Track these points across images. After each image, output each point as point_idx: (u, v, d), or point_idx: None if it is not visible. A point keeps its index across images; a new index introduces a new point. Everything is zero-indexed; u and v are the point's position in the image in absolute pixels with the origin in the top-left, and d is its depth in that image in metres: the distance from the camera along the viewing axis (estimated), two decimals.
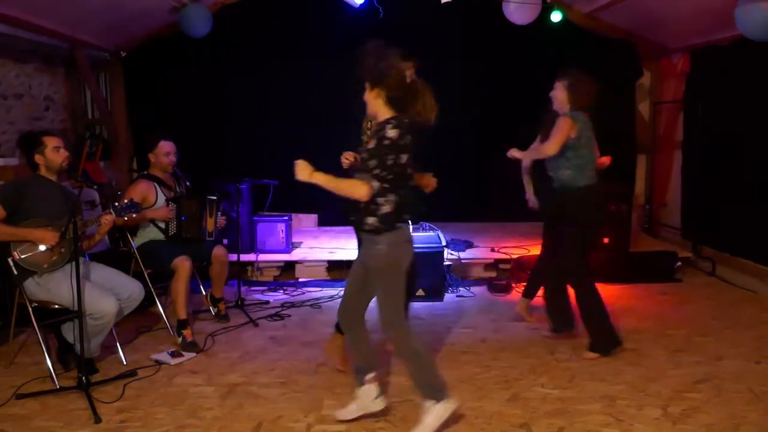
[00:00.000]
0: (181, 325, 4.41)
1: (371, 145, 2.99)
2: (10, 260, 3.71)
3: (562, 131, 3.97)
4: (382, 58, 2.94)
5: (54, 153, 3.78)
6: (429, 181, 3.65)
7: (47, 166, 3.80)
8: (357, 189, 2.96)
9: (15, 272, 3.74)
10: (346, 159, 3.48)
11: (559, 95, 4.10)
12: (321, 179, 3.00)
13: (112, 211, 3.91)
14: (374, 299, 3.16)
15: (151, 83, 6.74)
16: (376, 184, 2.95)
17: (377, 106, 3.03)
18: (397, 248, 3.05)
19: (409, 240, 3.14)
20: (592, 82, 4.05)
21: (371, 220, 3.01)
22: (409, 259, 3.12)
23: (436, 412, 3.07)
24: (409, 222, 3.16)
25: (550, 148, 3.98)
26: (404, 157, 2.97)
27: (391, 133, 2.93)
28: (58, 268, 3.77)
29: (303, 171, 3.05)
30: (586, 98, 4.05)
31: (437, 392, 3.09)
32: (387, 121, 2.98)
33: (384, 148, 2.93)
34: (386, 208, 2.99)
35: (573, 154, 4.03)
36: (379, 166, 2.93)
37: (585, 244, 4.14)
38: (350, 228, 7.18)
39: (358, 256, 3.33)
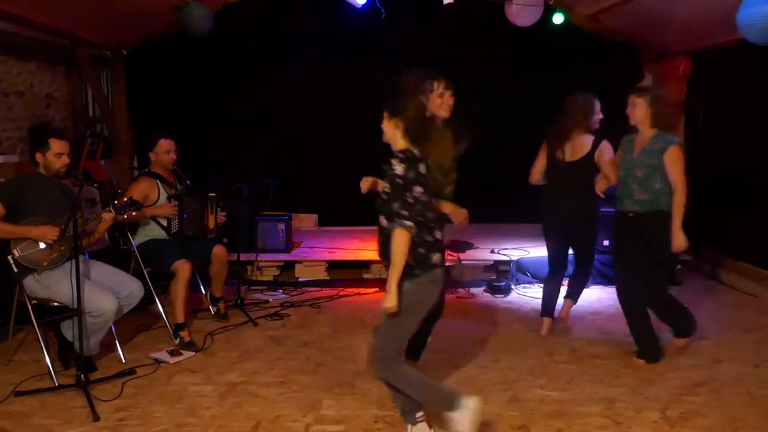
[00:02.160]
0: (179, 327, 4.41)
1: (386, 188, 2.89)
2: (9, 258, 3.71)
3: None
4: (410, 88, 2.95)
5: (55, 158, 3.78)
6: (457, 212, 3.41)
7: (45, 166, 3.81)
8: (401, 244, 2.79)
9: (15, 270, 3.74)
10: (366, 182, 3.35)
11: (640, 112, 3.94)
12: (392, 283, 2.82)
13: (111, 209, 3.92)
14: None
15: (152, 82, 6.74)
16: (407, 223, 2.80)
17: (395, 136, 2.96)
18: (424, 288, 2.93)
19: (438, 281, 2.98)
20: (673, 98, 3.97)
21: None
22: (433, 301, 2.99)
23: (461, 419, 2.94)
24: (443, 262, 3.03)
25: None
26: (418, 190, 2.84)
27: (399, 169, 2.82)
28: (58, 266, 3.77)
29: (389, 302, 2.84)
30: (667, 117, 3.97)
31: (449, 402, 2.97)
32: (395, 155, 2.89)
33: (400, 187, 2.81)
34: (421, 249, 2.88)
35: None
36: (404, 207, 2.81)
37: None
38: (350, 228, 7.26)
39: None
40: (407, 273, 2.84)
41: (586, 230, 4.48)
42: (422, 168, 2.86)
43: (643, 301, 4.09)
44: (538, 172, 4.48)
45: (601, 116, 4.37)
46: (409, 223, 2.80)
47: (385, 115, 2.96)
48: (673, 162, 3.85)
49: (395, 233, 2.80)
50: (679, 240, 3.88)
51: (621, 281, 4.18)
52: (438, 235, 2.97)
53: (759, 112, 5.51)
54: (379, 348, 2.98)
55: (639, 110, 3.95)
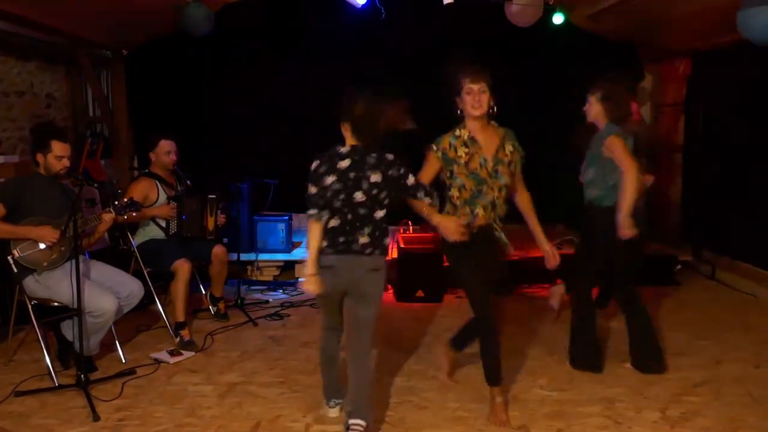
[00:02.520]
0: (179, 326, 4.42)
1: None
2: (9, 258, 3.71)
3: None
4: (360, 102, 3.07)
5: (55, 160, 3.78)
6: (445, 225, 3.22)
7: (45, 168, 3.81)
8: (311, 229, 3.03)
9: (15, 270, 3.74)
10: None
11: (594, 108, 3.91)
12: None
13: (112, 209, 3.92)
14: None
15: (152, 82, 6.74)
16: (311, 211, 3.02)
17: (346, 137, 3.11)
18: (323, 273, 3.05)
19: (330, 267, 3.03)
20: (625, 91, 3.91)
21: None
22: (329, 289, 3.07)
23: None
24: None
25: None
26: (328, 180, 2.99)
27: (313, 164, 3.06)
28: (58, 266, 3.77)
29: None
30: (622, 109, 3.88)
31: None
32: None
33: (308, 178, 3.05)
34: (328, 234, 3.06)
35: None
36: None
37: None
38: None
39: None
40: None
41: None
42: (343, 164, 2.99)
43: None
44: None
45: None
46: (313, 210, 2.98)
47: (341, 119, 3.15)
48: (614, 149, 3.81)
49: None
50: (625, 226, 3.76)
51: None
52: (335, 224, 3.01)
53: (759, 113, 5.51)
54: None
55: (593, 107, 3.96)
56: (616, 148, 3.73)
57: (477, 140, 3.29)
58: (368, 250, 3.01)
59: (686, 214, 6.69)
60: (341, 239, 2.99)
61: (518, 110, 6.56)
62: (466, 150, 3.27)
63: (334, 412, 3.38)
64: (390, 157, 3.06)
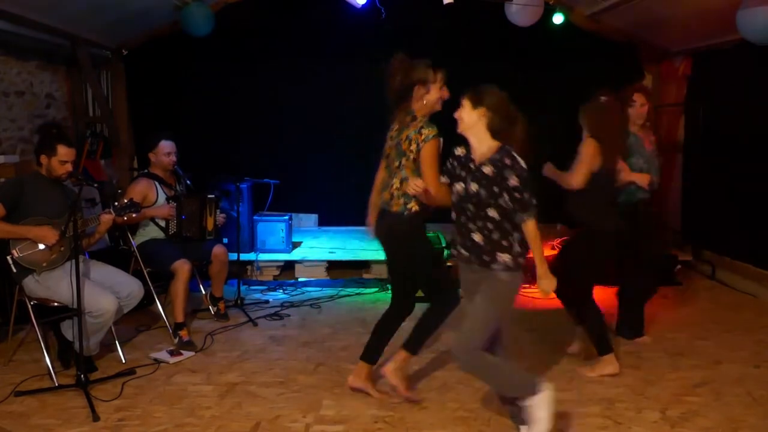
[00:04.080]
0: (178, 327, 4.42)
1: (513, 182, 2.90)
2: (9, 258, 3.71)
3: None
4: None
5: (58, 164, 3.78)
6: None
7: (47, 169, 3.81)
8: (537, 230, 2.96)
9: (14, 270, 3.74)
10: (416, 187, 3.10)
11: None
12: (544, 267, 3.02)
13: (111, 210, 3.92)
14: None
15: (152, 82, 6.74)
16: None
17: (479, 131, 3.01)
18: (519, 281, 3.07)
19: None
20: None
21: (505, 257, 2.98)
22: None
23: (538, 405, 3.00)
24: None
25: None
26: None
27: (521, 162, 2.93)
28: (58, 266, 3.77)
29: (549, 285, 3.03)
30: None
31: (527, 388, 3.03)
32: (504, 150, 2.97)
33: (525, 180, 2.90)
34: (517, 248, 3.00)
35: None
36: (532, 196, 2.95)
37: None
38: (350, 228, 7.26)
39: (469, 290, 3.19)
40: (514, 264, 2.96)
41: None
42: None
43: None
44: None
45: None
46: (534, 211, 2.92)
47: (468, 104, 2.99)
48: None
49: (531, 223, 2.91)
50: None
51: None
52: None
53: (759, 112, 5.50)
54: (469, 338, 2.98)
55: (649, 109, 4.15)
56: None
57: None
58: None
59: (686, 213, 6.68)
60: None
61: (518, 110, 6.59)
62: None
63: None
64: None
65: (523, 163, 2.91)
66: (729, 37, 5.40)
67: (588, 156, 3.73)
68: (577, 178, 3.76)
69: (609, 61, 6.57)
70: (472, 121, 2.98)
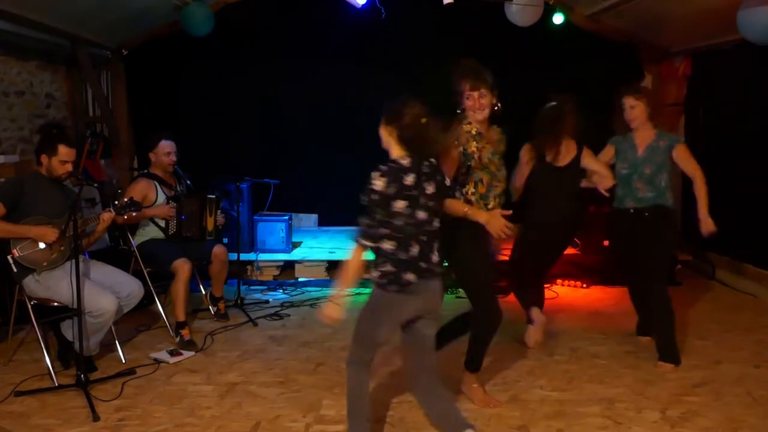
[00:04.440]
0: (180, 326, 4.42)
1: (362, 199, 2.72)
2: (9, 258, 3.71)
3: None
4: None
5: (59, 164, 3.79)
6: (492, 220, 3.09)
7: (47, 169, 3.81)
8: (355, 260, 2.77)
9: (14, 270, 3.74)
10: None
11: (641, 113, 4.11)
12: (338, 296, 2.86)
13: (111, 209, 3.92)
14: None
15: (152, 82, 6.74)
16: (365, 242, 2.72)
17: (390, 143, 2.80)
18: (394, 299, 2.78)
19: (415, 294, 2.76)
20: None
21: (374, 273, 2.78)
22: (408, 315, 2.81)
23: None
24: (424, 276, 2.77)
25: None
26: (400, 204, 2.67)
27: (379, 183, 2.65)
28: (58, 265, 3.78)
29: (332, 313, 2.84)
30: None
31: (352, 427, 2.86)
32: (379, 167, 2.72)
33: (373, 203, 2.67)
34: (391, 267, 2.72)
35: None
36: (370, 224, 2.70)
37: None
38: (350, 228, 7.24)
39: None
40: (378, 282, 2.76)
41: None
42: (409, 179, 2.69)
43: (668, 299, 4.12)
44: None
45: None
46: (366, 242, 2.71)
47: (383, 121, 2.81)
48: (686, 157, 4.16)
49: (353, 249, 2.73)
50: (707, 223, 4.18)
51: (640, 283, 4.25)
52: (414, 251, 2.71)
53: (759, 112, 5.50)
54: (352, 345, 2.88)
55: (639, 111, 4.09)
56: (689, 155, 4.25)
57: (483, 135, 3.33)
58: (439, 269, 2.81)
59: (686, 214, 6.67)
60: (422, 265, 2.73)
61: (516, 110, 6.58)
62: (476, 145, 3.29)
63: None
64: (434, 161, 2.85)
65: (378, 185, 2.65)
66: (729, 37, 5.39)
67: (522, 157, 4.05)
68: (514, 178, 4.01)
69: (609, 61, 6.57)
70: (384, 137, 2.82)
